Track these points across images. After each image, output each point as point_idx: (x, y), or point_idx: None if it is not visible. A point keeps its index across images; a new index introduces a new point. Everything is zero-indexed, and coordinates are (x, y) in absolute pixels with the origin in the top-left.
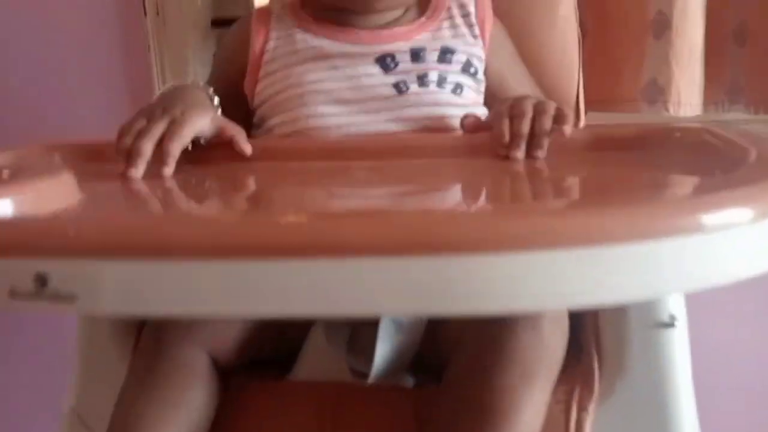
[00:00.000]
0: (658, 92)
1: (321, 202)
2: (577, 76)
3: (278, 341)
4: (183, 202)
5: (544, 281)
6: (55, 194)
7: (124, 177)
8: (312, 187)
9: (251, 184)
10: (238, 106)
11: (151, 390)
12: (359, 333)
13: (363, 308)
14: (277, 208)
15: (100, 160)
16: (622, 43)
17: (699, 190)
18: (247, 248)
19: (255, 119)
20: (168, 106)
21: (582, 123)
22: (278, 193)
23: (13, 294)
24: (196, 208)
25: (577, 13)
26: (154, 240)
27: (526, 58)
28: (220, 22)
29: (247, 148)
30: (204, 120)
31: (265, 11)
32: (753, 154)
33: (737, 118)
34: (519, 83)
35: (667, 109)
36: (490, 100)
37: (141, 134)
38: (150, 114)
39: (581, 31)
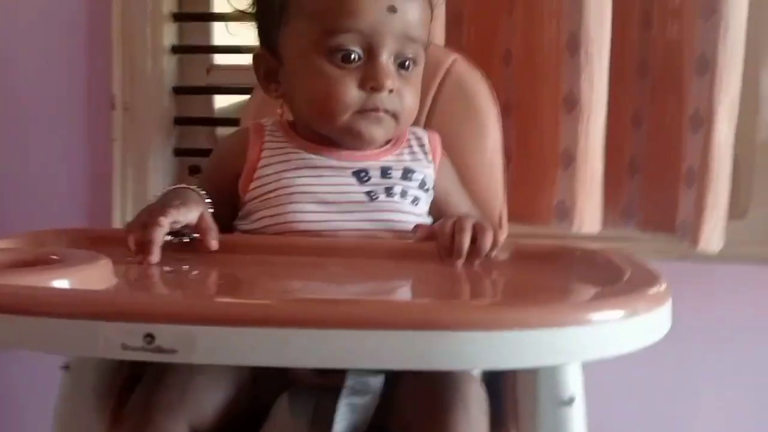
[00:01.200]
0: (565, 212)
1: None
2: (501, 194)
3: (251, 408)
4: (210, 286)
5: (474, 351)
6: (103, 275)
7: (145, 263)
8: (301, 277)
9: (265, 274)
10: (227, 201)
11: None
12: (321, 408)
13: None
14: (292, 293)
15: (104, 245)
16: (537, 171)
17: (586, 296)
18: (285, 321)
19: (243, 212)
20: (166, 202)
21: (504, 232)
22: (281, 282)
23: (125, 347)
24: (228, 291)
25: (503, 144)
26: (229, 313)
27: (462, 177)
28: (182, 121)
29: (214, 244)
30: (195, 213)
31: (259, 126)
32: (627, 273)
33: (629, 235)
34: (459, 200)
35: (572, 225)
36: (434, 210)
37: (148, 226)
38: (151, 210)
39: (506, 157)
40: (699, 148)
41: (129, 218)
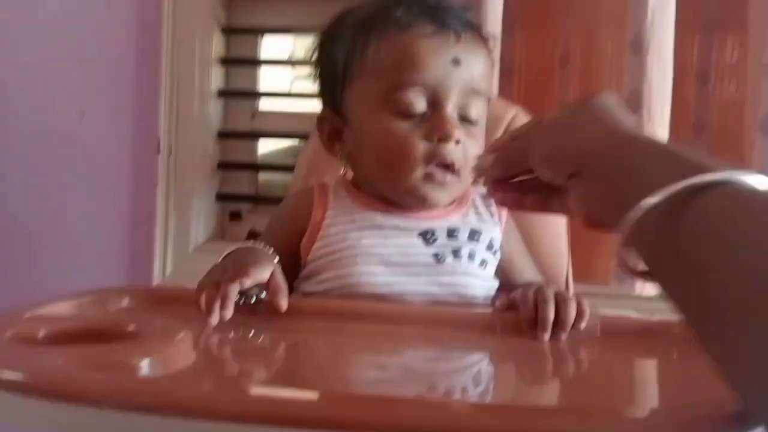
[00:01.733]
0: (627, 274)
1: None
2: (566, 255)
3: None
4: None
5: None
6: (184, 352)
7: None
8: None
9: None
10: (289, 262)
11: None
12: None
13: None
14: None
15: (168, 304)
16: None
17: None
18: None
19: (305, 273)
20: (240, 260)
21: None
22: (340, 363)
23: None
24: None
25: None
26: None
27: (527, 242)
28: (225, 165)
29: (284, 304)
30: (267, 271)
31: (323, 186)
32: None
33: None
34: (523, 264)
35: (634, 287)
36: (500, 275)
37: (222, 283)
38: (224, 267)
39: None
40: None
41: (170, 261)
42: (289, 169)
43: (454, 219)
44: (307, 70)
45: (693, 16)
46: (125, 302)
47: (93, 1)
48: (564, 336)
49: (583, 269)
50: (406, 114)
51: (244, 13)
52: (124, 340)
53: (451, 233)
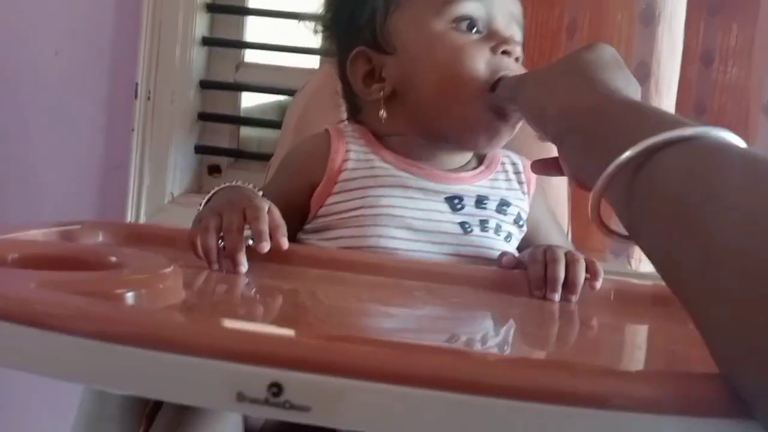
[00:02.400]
0: (622, 248)
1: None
2: (566, 230)
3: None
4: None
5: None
6: (173, 287)
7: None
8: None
9: (338, 297)
10: (294, 215)
11: None
12: None
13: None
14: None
15: (153, 245)
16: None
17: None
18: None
19: (314, 226)
20: (236, 201)
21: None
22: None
23: (241, 398)
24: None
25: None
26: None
27: None
28: (205, 116)
29: (284, 242)
30: (265, 209)
31: (339, 132)
32: None
33: None
34: (549, 231)
35: (629, 263)
36: (523, 244)
37: (228, 231)
38: (218, 213)
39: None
40: None
41: (143, 212)
42: (273, 125)
43: (483, 184)
44: (296, 24)
45: None
46: (99, 237)
47: None
48: (575, 298)
49: (578, 245)
50: (466, 28)
51: None
52: (105, 269)
53: (480, 201)
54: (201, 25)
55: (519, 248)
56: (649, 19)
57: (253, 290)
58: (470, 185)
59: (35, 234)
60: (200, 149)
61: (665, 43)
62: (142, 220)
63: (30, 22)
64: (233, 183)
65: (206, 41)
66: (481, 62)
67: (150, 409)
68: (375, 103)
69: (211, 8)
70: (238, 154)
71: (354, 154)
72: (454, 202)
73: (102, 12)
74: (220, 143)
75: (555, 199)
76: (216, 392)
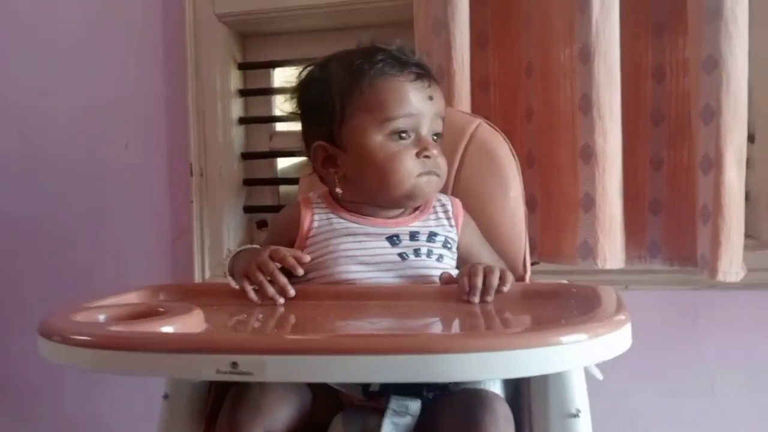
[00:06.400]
0: (588, 250)
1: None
2: (524, 238)
3: (311, 426)
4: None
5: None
6: (196, 322)
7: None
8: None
9: (320, 315)
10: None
11: None
12: (369, 426)
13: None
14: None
15: (193, 297)
16: (561, 214)
17: (569, 323)
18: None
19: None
20: (257, 256)
21: (528, 275)
22: (332, 321)
23: (219, 372)
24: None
25: (524, 195)
26: (290, 345)
27: (486, 228)
28: (249, 182)
29: (300, 271)
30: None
31: (308, 200)
32: (603, 304)
33: (658, 268)
34: (480, 252)
35: (596, 263)
36: (460, 264)
37: (270, 273)
38: (252, 267)
39: (532, 204)
40: (711, 189)
41: (207, 267)
42: None
43: (416, 224)
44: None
45: (645, 18)
46: (161, 296)
47: (129, 57)
48: (489, 298)
49: (551, 250)
50: (398, 138)
51: (257, 50)
52: (157, 315)
53: (413, 236)
54: (236, 108)
55: (458, 267)
56: (585, 57)
57: (251, 317)
58: (405, 227)
59: (118, 299)
60: (248, 209)
61: (603, 74)
62: (207, 273)
63: (104, 122)
64: (246, 246)
65: (242, 120)
66: (409, 162)
67: (209, 412)
68: (332, 182)
69: (243, 93)
70: (279, 209)
71: (318, 217)
72: (393, 239)
73: (157, 108)
74: (264, 202)
75: (512, 217)
76: (205, 369)
